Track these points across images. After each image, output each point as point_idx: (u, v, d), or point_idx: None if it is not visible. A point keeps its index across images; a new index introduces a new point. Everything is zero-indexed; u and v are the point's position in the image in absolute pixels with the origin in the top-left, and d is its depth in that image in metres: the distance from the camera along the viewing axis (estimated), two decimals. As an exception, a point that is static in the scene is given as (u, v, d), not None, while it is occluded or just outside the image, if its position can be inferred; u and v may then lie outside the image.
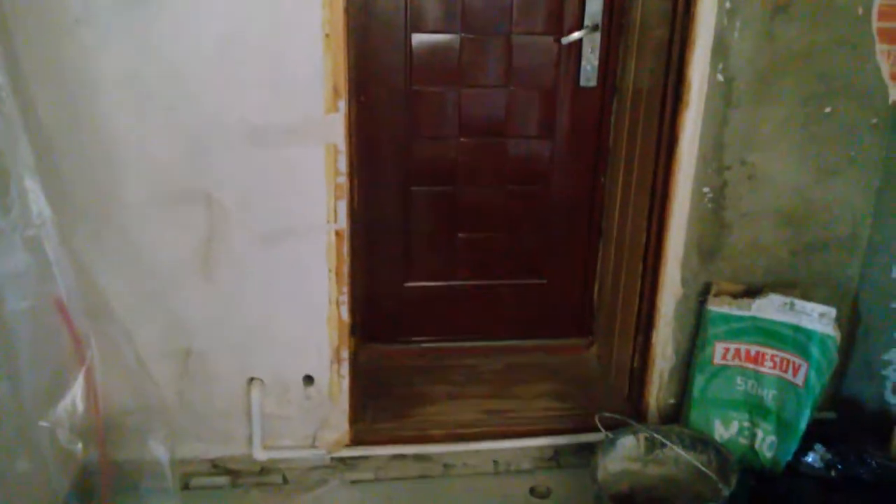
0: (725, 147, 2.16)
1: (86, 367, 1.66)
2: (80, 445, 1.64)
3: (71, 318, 1.64)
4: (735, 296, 2.22)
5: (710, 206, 2.21)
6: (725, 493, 1.96)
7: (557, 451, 2.45)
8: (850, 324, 2.36)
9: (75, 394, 1.64)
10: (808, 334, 2.10)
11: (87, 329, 1.69)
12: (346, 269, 2.18)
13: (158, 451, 1.88)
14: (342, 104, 2.02)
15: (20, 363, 1.55)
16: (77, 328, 1.66)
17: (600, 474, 2.05)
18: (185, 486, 2.29)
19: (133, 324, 2.00)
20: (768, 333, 2.16)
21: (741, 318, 2.17)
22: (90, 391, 1.68)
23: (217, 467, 2.32)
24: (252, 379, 2.23)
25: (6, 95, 1.47)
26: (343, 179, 2.08)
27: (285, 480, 2.36)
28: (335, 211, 2.10)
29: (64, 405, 1.62)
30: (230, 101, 1.97)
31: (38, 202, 1.53)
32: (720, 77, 2.10)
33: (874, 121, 2.18)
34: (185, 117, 1.97)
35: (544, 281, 2.88)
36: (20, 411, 1.55)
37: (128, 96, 1.92)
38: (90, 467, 1.92)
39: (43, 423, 1.57)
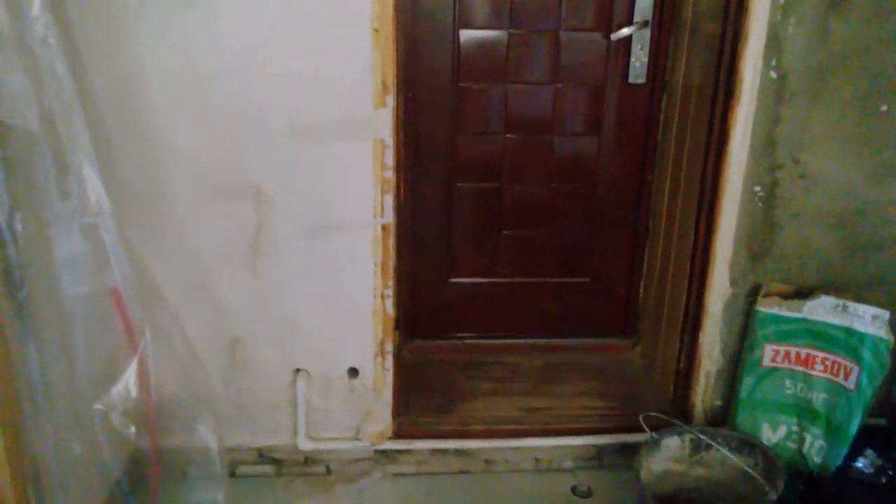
0: (777, 145, 2.12)
1: (139, 354, 1.70)
2: (132, 429, 1.68)
3: (125, 305, 1.68)
4: (785, 297, 2.18)
5: (760, 205, 2.17)
6: (772, 496, 1.92)
7: (599, 451, 2.43)
8: (905, 328, 2.30)
9: (129, 379, 1.68)
10: (861, 337, 2.06)
11: (141, 317, 1.73)
12: (391, 263, 2.19)
13: (207, 438, 1.92)
14: (390, 99, 2.04)
15: (76, 347, 1.59)
16: (131, 316, 1.70)
17: (644, 474, 2.04)
18: (232, 474, 2.34)
19: (182, 314, 2.04)
20: (819, 336, 2.11)
21: (792, 320, 2.13)
22: (143, 378, 1.72)
23: (263, 456, 2.36)
24: (298, 370, 2.26)
25: (66, 84, 1.51)
26: (390, 174, 2.10)
27: (329, 471, 2.39)
28: (381, 205, 2.12)
29: (117, 390, 1.66)
30: (279, 96, 2.00)
31: (96, 191, 1.57)
32: (773, 74, 2.06)
33: (933, 120, 2.12)
34: (234, 111, 2.00)
35: (588, 279, 2.86)
36: (75, 394, 1.59)
37: (179, 89, 1.96)
38: (141, 453, 1.97)
39: (97, 406, 1.62)
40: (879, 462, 2.00)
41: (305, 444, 2.31)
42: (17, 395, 1.43)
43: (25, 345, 1.45)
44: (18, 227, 1.43)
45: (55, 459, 1.54)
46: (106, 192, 1.59)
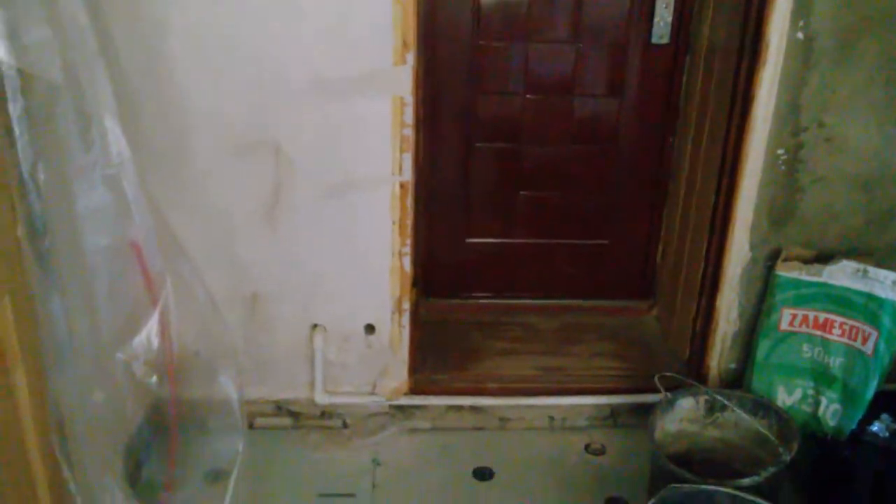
0: (802, 108, 2.09)
1: (161, 304, 1.72)
2: (154, 378, 1.71)
3: (146, 257, 1.70)
4: (805, 261, 2.16)
5: (783, 168, 2.15)
6: (786, 458, 1.93)
7: (614, 410, 2.45)
8: (926, 295, 2.28)
9: (150, 330, 1.71)
10: (881, 302, 2.04)
11: (162, 269, 1.74)
12: (409, 221, 2.20)
13: (228, 389, 1.94)
14: (410, 56, 2.02)
15: (98, 297, 1.61)
16: (152, 267, 1.72)
17: (658, 434, 2.05)
18: (250, 426, 2.38)
19: (204, 267, 2.05)
20: (838, 301, 2.10)
21: (811, 284, 2.12)
22: (164, 328, 1.74)
23: (280, 409, 2.40)
24: (315, 326, 2.29)
25: (89, 36, 1.51)
26: (409, 132, 2.09)
27: (345, 425, 2.42)
28: (400, 163, 2.12)
29: (139, 340, 1.69)
30: (300, 53, 1.99)
31: (117, 142, 1.58)
32: (800, 35, 2.02)
33: (961, 84, 2.08)
34: (255, 68, 2.00)
35: (606, 242, 2.85)
36: (98, 343, 1.61)
37: (201, 45, 1.96)
38: (162, 402, 2.01)
39: (119, 356, 1.64)
40: (895, 427, 2.00)
41: (322, 399, 2.35)
42: (40, 344, 1.46)
43: (49, 294, 1.47)
44: (41, 176, 1.43)
45: (78, 408, 1.57)
46: (127, 144, 1.59)
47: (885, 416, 2.03)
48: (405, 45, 2.00)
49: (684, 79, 2.57)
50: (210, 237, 2.15)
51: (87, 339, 1.61)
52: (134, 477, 1.91)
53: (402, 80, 2.04)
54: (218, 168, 2.09)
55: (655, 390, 2.14)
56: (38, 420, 1.47)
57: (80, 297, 1.59)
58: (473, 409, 2.43)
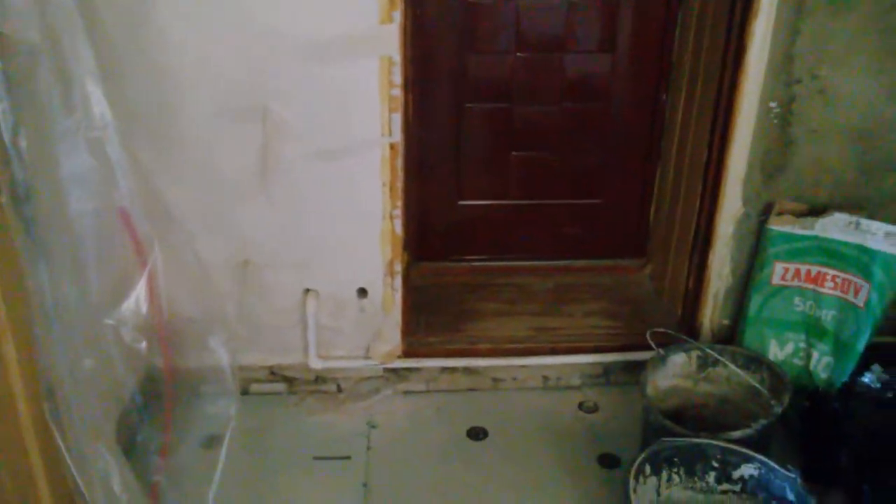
0: (795, 59, 2.07)
1: (148, 269, 1.71)
2: (144, 343, 1.71)
3: (133, 221, 1.68)
4: (798, 215, 2.16)
5: (776, 121, 2.13)
6: (777, 410, 1.94)
7: (607, 369, 2.46)
8: (918, 247, 2.27)
9: (139, 295, 1.70)
10: (872, 255, 2.04)
11: (150, 233, 1.73)
12: (399, 183, 2.18)
13: (220, 354, 1.95)
14: (397, 14, 1.99)
15: (85, 263, 1.60)
16: (139, 231, 1.70)
17: (650, 389, 2.06)
18: (245, 392, 2.39)
19: (194, 233, 2.05)
20: (831, 253, 2.10)
21: (803, 238, 2.12)
22: (153, 293, 1.73)
23: (275, 374, 2.41)
24: (308, 290, 2.28)
25: (67, -2, 1.48)
26: (397, 92, 2.07)
27: (339, 389, 2.43)
28: (389, 124, 2.10)
29: (128, 305, 1.68)
30: (286, 13, 1.95)
31: (100, 105, 1.55)
32: (794, -17, 1.99)
33: (957, 33, 2.05)
34: (242, 30, 1.96)
35: (599, 201, 2.83)
36: (86, 309, 1.61)
37: (187, 7, 1.92)
38: (154, 370, 2.01)
39: (108, 321, 1.64)
40: (886, 377, 2.01)
41: (316, 363, 2.35)
42: (28, 311, 1.45)
43: (35, 261, 1.45)
44: (23, 142, 1.41)
45: (68, 375, 1.56)
46: (110, 107, 1.57)
47: (875, 367, 2.03)
48: (391, 2, 1.96)
49: (678, 33, 2.53)
50: (200, 202, 2.13)
51: (76, 306, 1.60)
52: (128, 443, 1.92)
53: (390, 40, 2.01)
54: (206, 132, 2.06)
55: (648, 348, 2.15)
56: (28, 388, 1.47)
57: (67, 263, 1.57)
58: (467, 370, 2.44)
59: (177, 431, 2.05)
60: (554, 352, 2.43)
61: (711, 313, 2.36)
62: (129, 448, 1.94)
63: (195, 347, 1.95)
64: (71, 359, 1.56)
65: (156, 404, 2.04)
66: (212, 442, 2.06)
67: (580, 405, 2.40)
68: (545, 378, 2.47)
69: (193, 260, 1.85)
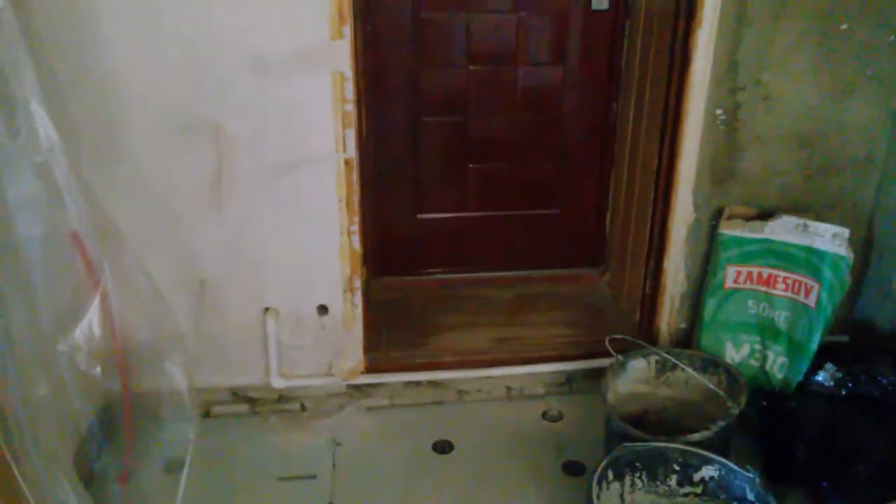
0: (739, 67, 2.12)
1: (100, 292, 1.68)
2: (98, 369, 1.67)
3: (84, 245, 1.66)
4: (747, 219, 2.20)
5: (722, 128, 2.18)
6: (734, 411, 1.97)
7: (569, 377, 2.48)
8: (865, 246, 2.34)
9: (91, 319, 1.67)
10: (821, 255, 2.09)
11: (101, 255, 1.71)
12: (356, 198, 2.18)
13: (177, 378, 1.92)
14: (347, 30, 1.99)
15: (35, 288, 1.57)
16: (91, 254, 1.68)
17: (610, 396, 2.08)
18: (206, 414, 2.36)
19: (147, 254, 2.01)
20: (781, 255, 2.15)
21: (754, 241, 2.16)
22: (106, 317, 1.70)
23: (237, 395, 2.38)
24: (267, 309, 2.26)
25: (7, 17, 1.46)
26: (351, 108, 2.07)
27: (303, 408, 2.41)
28: (343, 140, 2.10)
29: (81, 330, 1.65)
30: (236, 29, 1.95)
31: (45, 127, 1.53)
32: (734, -7, 2.04)
33: (892, 38, 2.12)
34: (191, 46, 1.95)
35: (557, 211, 2.87)
36: (38, 336, 1.57)
37: (133, 24, 1.91)
38: (112, 398, 1.97)
39: (61, 347, 1.61)
40: (839, 375, 2.05)
41: (278, 382, 2.33)
42: (-22, 339, 1.42)
43: (-17, 288, 1.43)
44: (-33, 168, 1.40)
45: (22, 403, 1.53)
46: (56, 129, 1.55)
47: (829, 366, 2.07)
48: (341, 18, 1.97)
49: (625, 44, 2.58)
50: (153, 222, 2.11)
51: (27, 332, 1.57)
52: (87, 471, 1.88)
53: (341, 55, 2.01)
54: (156, 151, 2.04)
55: (609, 355, 2.17)
56: (-22, 418, 1.44)
57: (16, 290, 1.54)
58: (431, 383, 2.44)
59: (137, 457, 2.01)
60: (517, 362, 2.44)
61: (669, 318, 2.39)
62: (88, 475, 1.90)
63: (152, 371, 1.92)
64: (24, 387, 1.53)
65: (114, 430, 2.00)
66: (173, 466, 2.02)
67: (544, 414, 2.41)
68: (509, 388, 2.48)
69: (146, 282, 1.82)
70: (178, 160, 2.06)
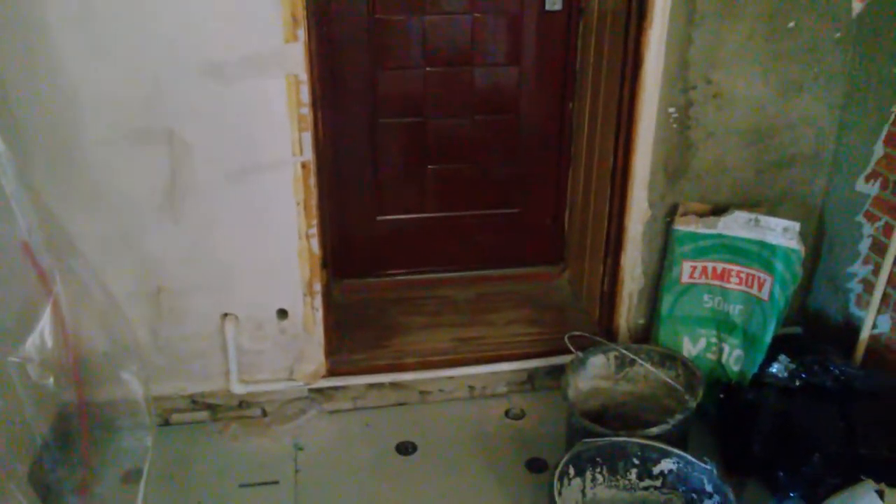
0: (690, 66, 2.15)
1: (52, 301, 1.65)
2: (51, 380, 1.64)
3: (34, 254, 1.63)
4: (701, 215, 2.24)
5: (675, 126, 2.21)
6: (691, 404, 2.01)
7: (531, 375, 2.50)
8: (816, 239, 2.39)
9: (43, 330, 1.64)
10: (773, 249, 2.13)
11: (52, 265, 1.67)
12: (314, 202, 2.17)
13: (133, 387, 1.89)
14: (301, 33, 1.98)
15: (-17, 300, 1.54)
16: (42, 264, 1.65)
17: (571, 392, 2.10)
18: (166, 423, 2.33)
19: (101, 263, 1.98)
20: (734, 250, 2.19)
21: (707, 237, 2.20)
22: (59, 327, 1.67)
23: (196, 403, 2.35)
24: (226, 315, 2.24)
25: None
26: (306, 111, 2.06)
27: (264, 413, 2.39)
28: (300, 143, 2.09)
29: (32, 341, 1.62)
30: (188, 35, 1.93)
31: (-10, 136, 1.50)
32: (683, -7, 2.08)
33: (837, 35, 2.17)
34: (141, 53, 1.93)
35: (516, 210, 2.88)
36: (-12, 348, 1.55)
37: (81, 35, 1.88)
38: (67, 409, 1.94)
39: (12, 359, 1.57)
40: (793, 367, 2.09)
41: (238, 388, 2.31)
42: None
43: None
44: None
45: (-27, 416, 1.51)
46: (2, 139, 1.52)
47: (782, 357, 2.12)
48: (295, 21, 1.96)
49: (579, 44, 2.60)
50: (108, 231, 2.08)
51: (-24, 345, 1.54)
52: (43, 483, 1.84)
53: (295, 58, 2.00)
54: (110, 160, 2.01)
55: (569, 352, 2.19)
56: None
57: (-37, 302, 1.51)
58: (393, 385, 2.44)
59: (94, 468, 1.97)
60: (478, 361, 2.46)
61: (627, 314, 2.42)
62: (45, 488, 1.86)
63: (107, 381, 1.89)
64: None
65: (71, 441, 1.97)
66: (131, 476, 1.99)
67: (507, 412, 2.42)
68: (471, 388, 2.49)
69: (101, 291, 1.80)
70: (133, 168, 2.03)
